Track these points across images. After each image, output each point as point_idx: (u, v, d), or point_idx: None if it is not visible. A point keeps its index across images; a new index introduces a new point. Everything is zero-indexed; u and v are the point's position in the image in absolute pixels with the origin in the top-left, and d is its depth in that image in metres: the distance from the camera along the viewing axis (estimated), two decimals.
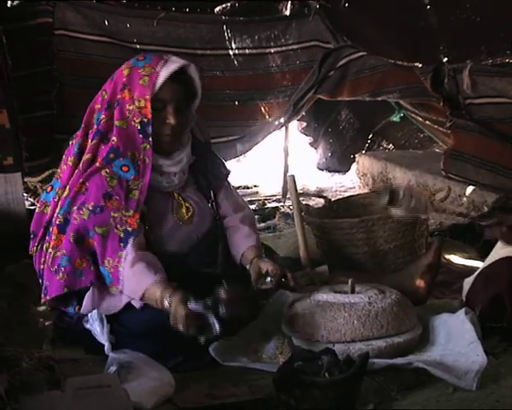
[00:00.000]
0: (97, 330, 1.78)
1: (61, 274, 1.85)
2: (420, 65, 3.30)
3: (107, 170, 1.88)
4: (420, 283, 2.17)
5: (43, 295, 1.91)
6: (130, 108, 1.91)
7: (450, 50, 3.27)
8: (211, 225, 2.09)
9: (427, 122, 3.67)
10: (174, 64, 1.92)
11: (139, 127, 1.90)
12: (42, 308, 2.20)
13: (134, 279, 1.82)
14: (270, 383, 1.57)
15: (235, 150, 3.56)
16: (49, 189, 2.03)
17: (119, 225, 1.85)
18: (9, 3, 3.33)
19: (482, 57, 3.19)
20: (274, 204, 3.77)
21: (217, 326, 1.68)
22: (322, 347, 1.69)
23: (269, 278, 1.97)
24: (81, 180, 1.89)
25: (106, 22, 3.39)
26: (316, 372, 1.52)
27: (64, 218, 1.88)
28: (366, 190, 3.74)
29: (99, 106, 1.98)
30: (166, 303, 1.74)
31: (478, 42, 3.20)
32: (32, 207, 3.10)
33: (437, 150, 4.06)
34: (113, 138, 1.90)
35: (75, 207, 1.87)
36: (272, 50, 3.57)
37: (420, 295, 2.16)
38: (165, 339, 1.78)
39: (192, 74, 1.99)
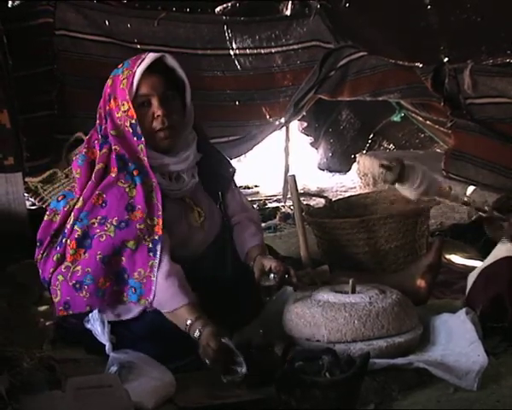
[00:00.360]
0: (98, 330, 1.78)
1: (84, 292, 1.83)
2: (420, 65, 3.30)
3: (122, 180, 1.88)
4: (421, 283, 2.17)
5: (62, 309, 1.87)
6: (119, 115, 1.92)
7: (451, 50, 3.27)
8: (220, 228, 2.09)
9: (428, 122, 3.67)
10: (148, 59, 1.92)
11: (131, 130, 1.90)
12: (42, 308, 2.20)
13: (167, 293, 1.81)
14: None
15: (235, 150, 3.56)
16: (60, 198, 2.00)
17: (146, 236, 1.84)
18: (10, 3, 3.33)
19: (483, 57, 3.19)
20: (275, 204, 3.78)
21: (244, 367, 1.65)
22: (323, 347, 1.69)
23: (272, 275, 1.96)
24: (97, 192, 1.87)
25: (106, 22, 3.38)
26: (316, 372, 1.51)
27: (83, 231, 1.85)
28: (367, 190, 3.74)
29: (98, 121, 1.99)
30: (197, 332, 1.73)
31: (478, 42, 3.20)
32: (33, 208, 3.12)
33: (438, 150, 4.06)
34: (115, 147, 1.90)
35: (95, 222, 1.85)
36: (273, 50, 3.57)
37: (421, 296, 2.16)
38: (167, 342, 1.79)
39: (171, 64, 1.97)
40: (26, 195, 2.98)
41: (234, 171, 2.21)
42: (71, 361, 1.85)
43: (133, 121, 1.89)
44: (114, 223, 1.83)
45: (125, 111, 1.90)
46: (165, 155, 1.96)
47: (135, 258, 1.84)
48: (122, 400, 1.46)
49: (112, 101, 1.93)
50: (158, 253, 1.84)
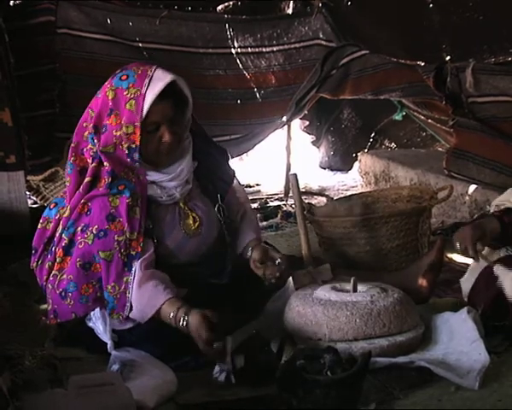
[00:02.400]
0: (100, 328, 1.78)
1: (68, 299, 1.84)
2: (422, 63, 3.29)
3: (108, 192, 1.86)
4: (422, 281, 2.17)
5: (53, 317, 1.89)
6: (118, 133, 1.88)
7: (453, 49, 3.26)
8: (218, 233, 2.07)
9: (430, 121, 3.66)
10: (159, 83, 1.86)
11: (127, 152, 1.88)
12: (44, 307, 2.17)
13: (143, 300, 1.80)
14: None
15: (237, 149, 3.56)
16: (52, 205, 2.01)
17: (122, 249, 1.83)
18: (12, 2, 3.33)
19: (485, 56, 3.17)
20: (276, 203, 3.76)
21: (230, 367, 1.65)
22: (325, 345, 1.69)
23: (278, 260, 1.97)
24: (83, 201, 1.86)
25: (108, 21, 3.38)
26: (318, 371, 1.51)
27: (69, 239, 1.86)
28: (368, 189, 3.72)
29: (87, 124, 1.94)
30: (182, 321, 1.73)
31: (480, 40, 3.19)
32: (35, 206, 3.13)
33: (439, 149, 4.04)
34: (105, 164, 1.87)
35: (79, 229, 1.85)
36: (274, 49, 3.57)
37: (422, 294, 2.16)
38: (167, 340, 1.79)
39: (180, 85, 1.93)
40: (27, 193, 2.99)
41: (233, 172, 2.18)
42: (73, 360, 1.86)
43: (133, 146, 1.87)
44: (94, 231, 1.83)
45: (127, 134, 1.86)
46: (156, 172, 1.94)
47: (109, 270, 1.83)
48: (124, 398, 1.46)
49: (112, 117, 1.88)
50: (133, 269, 1.83)
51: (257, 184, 4.24)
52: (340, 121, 4.19)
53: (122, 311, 1.81)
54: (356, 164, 4.18)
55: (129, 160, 1.88)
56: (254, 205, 3.60)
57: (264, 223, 3.37)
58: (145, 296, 1.80)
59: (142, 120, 1.86)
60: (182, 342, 1.77)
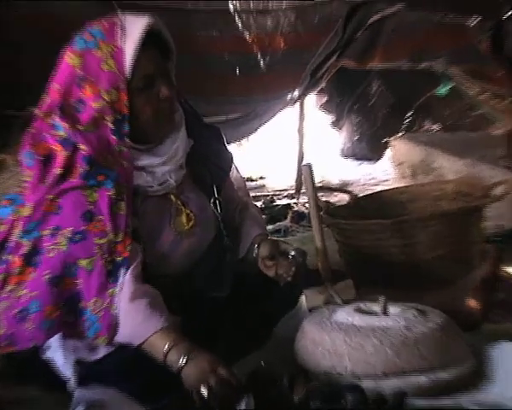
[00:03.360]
0: (59, 360, 1.78)
1: (28, 323, 1.79)
2: (475, 20, 3.29)
3: (84, 184, 1.84)
4: (472, 302, 2.19)
5: (7, 345, 1.81)
6: (97, 105, 1.87)
7: None
8: (215, 233, 2.10)
9: (484, 96, 3.66)
10: (136, 28, 1.87)
11: (112, 127, 1.88)
12: None
13: (134, 322, 1.80)
14: None
15: (236, 132, 3.57)
16: (4, 202, 1.98)
17: (106, 255, 1.83)
18: None
19: None
20: (285, 201, 3.78)
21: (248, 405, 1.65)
22: (346, 382, 1.69)
23: (292, 252, 2.00)
24: (51, 196, 1.84)
25: None
26: None
27: (32, 246, 1.84)
28: (403, 183, 3.72)
29: (49, 102, 1.92)
30: (182, 360, 1.73)
31: None
32: None
33: (496, 132, 4.05)
34: (82, 147, 1.86)
35: (47, 233, 1.83)
36: (283, 5, 3.57)
37: (472, 318, 2.17)
38: (144, 376, 1.78)
39: (159, 28, 1.93)
40: None
41: (231, 158, 2.21)
42: (25, 402, 1.85)
43: (119, 117, 1.87)
44: (68, 234, 1.81)
45: (111, 102, 1.86)
46: (149, 154, 1.95)
47: (90, 282, 1.80)
48: None
49: (86, 86, 1.88)
50: (120, 279, 1.83)
51: (261, 178, 4.28)
52: (367, 97, 4.21)
53: (107, 333, 1.79)
54: (387, 152, 4.20)
55: (115, 137, 1.87)
56: (258, 204, 3.61)
57: (270, 226, 3.38)
58: (137, 318, 1.79)
59: (128, 79, 1.87)
60: (161, 379, 1.77)
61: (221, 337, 1.92)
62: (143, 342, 1.78)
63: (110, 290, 1.81)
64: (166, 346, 1.75)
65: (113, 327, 1.79)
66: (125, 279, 1.81)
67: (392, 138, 4.13)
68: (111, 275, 1.82)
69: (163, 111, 1.95)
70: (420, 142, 3.92)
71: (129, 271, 1.82)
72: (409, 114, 4.20)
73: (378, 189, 3.62)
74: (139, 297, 1.81)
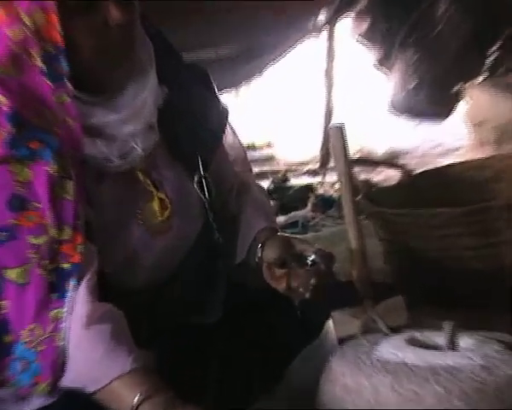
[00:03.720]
0: None
1: None
2: None
3: (10, 156, 1.66)
4: None
5: None
6: (16, 34, 1.64)
7: None
8: (201, 226, 1.95)
9: None
10: None
11: (42, 66, 1.64)
12: None
13: (89, 356, 1.62)
14: None
15: (231, 75, 3.27)
16: None
17: (46, 261, 1.64)
18: None
19: None
20: (304, 180, 3.64)
21: None
22: None
23: (312, 256, 1.84)
24: None
25: None
26: None
27: None
28: (483, 154, 3.49)
29: None
30: None
31: None
32: None
33: None
34: (1, 100, 1.64)
35: None
36: None
37: None
38: None
39: None
40: None
41: (226, 116, 2.02)
42: None
43: (52, 50, 1.65)
44: None
45: (36, 29, 1.63)
46: (105, 110, 1.74)
47: (24, 303, 1.62)
48: None
49: None
50: (68, 295, 1.63)
51: (267, 145, 4.03)
52: (428, 23, 3.82)
53: (51, 376, 1.61)
54: (459, 106, 3.90)
55: (49, 81, 1.66)
56: (264, 184, 3.52)
57: (282, 218, 3.26)
58: (97, 349, 1.62)
59: None
60: None
61: (212, 383, 1.84)
62: (102, 388, 1.59)
63: (54, 312, 1.63)
64: (136, 398, 1.58)
65: (59, 367, 1.61)
66: (77, 295, 1.63)
67: (467, 85, 3.86)
68: (55, 289, 1.64)
69: (115, 43, 1.71)
70: (510, 91, 3.65)
71: (82, 283, 1.64)
72: (493, 49, 3.88)
73: (445, 162, 3.38)
74: (97, 322, 1.63)
